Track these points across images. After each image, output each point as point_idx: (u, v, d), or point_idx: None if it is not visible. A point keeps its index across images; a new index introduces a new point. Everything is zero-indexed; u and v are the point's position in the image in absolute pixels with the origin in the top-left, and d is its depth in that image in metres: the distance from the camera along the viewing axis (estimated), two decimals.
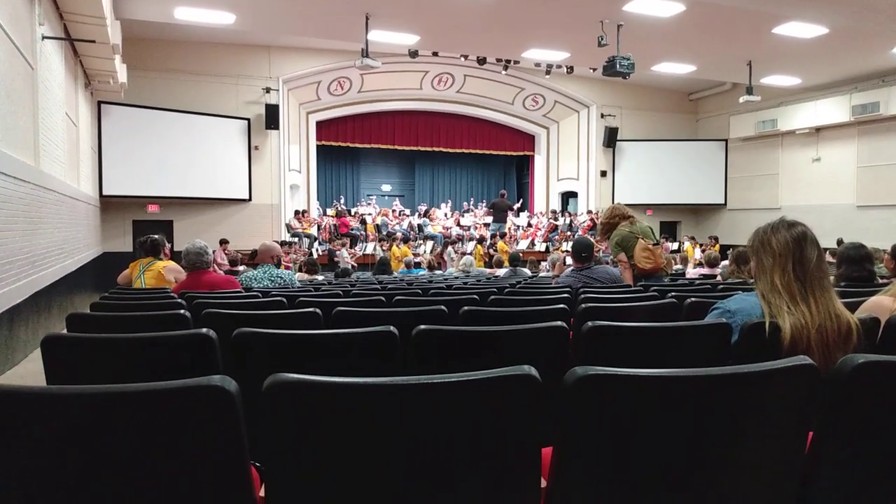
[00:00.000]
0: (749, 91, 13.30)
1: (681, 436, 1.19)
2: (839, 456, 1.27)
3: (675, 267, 9.85)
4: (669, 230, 18.63)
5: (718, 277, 6.94)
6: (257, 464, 1.33)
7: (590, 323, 2.05)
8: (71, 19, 8.26)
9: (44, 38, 7.15)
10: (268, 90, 14.64)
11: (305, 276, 8.17)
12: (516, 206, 18.60)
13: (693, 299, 2.94)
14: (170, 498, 1.13)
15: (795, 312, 1.86)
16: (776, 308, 1.89)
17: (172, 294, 4.11)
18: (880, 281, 4.31)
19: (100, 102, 12.63)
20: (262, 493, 1.21)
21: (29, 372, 5.69)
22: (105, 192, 12.84)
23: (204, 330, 1.95)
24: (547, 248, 15.90)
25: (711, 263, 8.48)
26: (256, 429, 1.15)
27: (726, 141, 17.92)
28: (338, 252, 13.72)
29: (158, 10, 10.38)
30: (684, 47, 12.12)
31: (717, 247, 15.04)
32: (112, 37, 8.96)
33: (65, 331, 2.49)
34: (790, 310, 1.87)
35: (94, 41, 8.69)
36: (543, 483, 1.22)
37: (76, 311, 2.81)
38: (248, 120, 14.60)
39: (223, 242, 12.85)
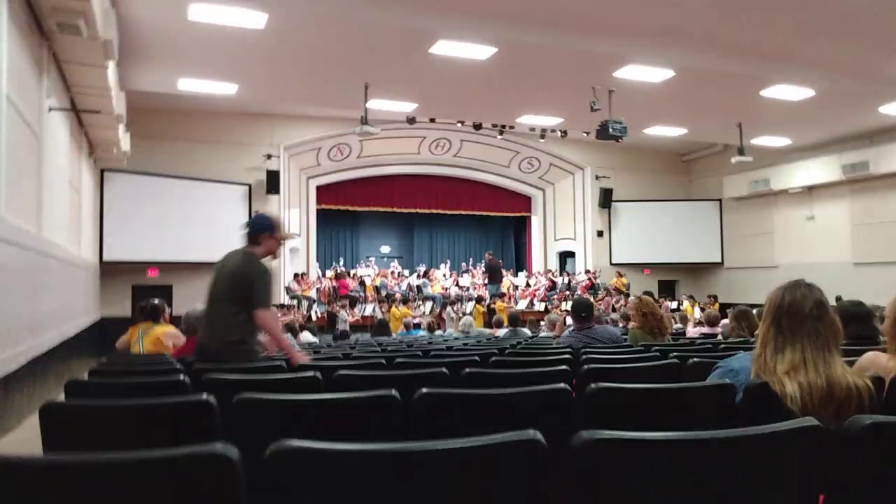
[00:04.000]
0: (741, 152, 13.45)
1: (689, 499, 1.17)
2: None
3: (674, 326, 9.80)
4: (668, 289, 18.62)
5: (719, 336, 6.90)
6: None
7: (593, 385, 2.04)
8: (78, 91, 8.46)
9: (50, 109, 7.32)
10: (269, 156, 14.88)
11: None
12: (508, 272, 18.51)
13: (695, 359, 2.93)
14: None
15: (808, 374, 1.85)
16: (790, 369, 1.88)
17: (171, 360, 4.08)
18: (883, 339, 4.29)
19: (102, 170, 12.80)
20: None
21: (22, 439, 5.56)
22: (105, 258, 12.84)
23: (203, 395, 1.93)
24: (546, 307, 15.84)
25: (712, 322, 8.42)
26: (257, 495, 1.13)
27: (720, 200, 18.12)
28: (338, 313, 13.67)
29: (162, 81, 10.65)
30: (675, 111, 12.41)
31: (717, 305, 14.99)
32: (116, 107, 9.17)
33: (62, 397, 2.47)
34: (805, 371, 1.86)
35: (98, 112, 8.88)
36: None
37: (74, 378, 2.78)
38: (249, 185, 14.76)
39: None
